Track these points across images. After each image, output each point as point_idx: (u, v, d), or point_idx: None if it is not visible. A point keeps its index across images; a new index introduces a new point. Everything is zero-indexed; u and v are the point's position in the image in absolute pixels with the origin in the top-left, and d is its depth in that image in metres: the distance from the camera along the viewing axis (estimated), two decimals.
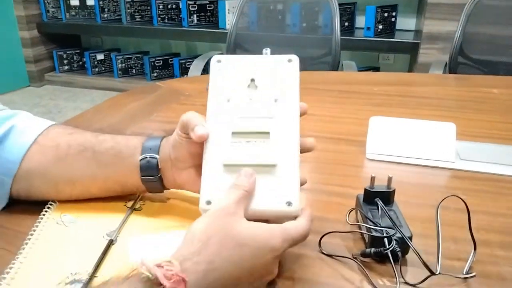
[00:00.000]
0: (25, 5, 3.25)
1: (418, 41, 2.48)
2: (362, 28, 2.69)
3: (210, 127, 0.46)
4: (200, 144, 0.47)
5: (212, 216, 0.40)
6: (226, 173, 0.44)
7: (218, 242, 0.37)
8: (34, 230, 0.50)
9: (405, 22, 2.85)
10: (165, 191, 0.54)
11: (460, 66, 1.60)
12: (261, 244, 0.38)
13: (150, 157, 0.51)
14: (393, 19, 2.71)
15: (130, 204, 0.55)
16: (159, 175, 0.51)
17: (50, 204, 0.54)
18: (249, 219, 0.40)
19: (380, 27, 2.65)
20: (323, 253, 0.46)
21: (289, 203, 0.42)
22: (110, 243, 0.47)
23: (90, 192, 0.54)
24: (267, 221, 0.41)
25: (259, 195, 0.43)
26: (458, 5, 1.66)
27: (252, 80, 0.48)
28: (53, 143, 0.54)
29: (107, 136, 0.54)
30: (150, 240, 0.49)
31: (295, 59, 0.50)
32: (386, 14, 2.66)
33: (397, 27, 2.76)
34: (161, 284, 0.33)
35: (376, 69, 2.98)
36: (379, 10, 2.61)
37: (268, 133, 0.45)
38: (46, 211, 0.53)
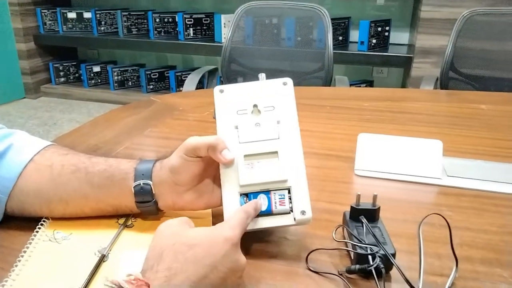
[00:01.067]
0: (22, 17, 3.27)
1: (411, 55, 2.51)
2: (356, 42, 2.73)
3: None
4: (204, 166, 0.51)
5: (158, 233, 0.42)
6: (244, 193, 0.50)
7: (171, 251, 0.39)
8: (27, 247, 0.51)
9: (399, 37, 2.89)
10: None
11: (451, 81, 1.63)
12: (212, 238, 0.41)
13: (143, 183, 0.52)
14: (386, 34, 2.75)
15: (122, 220, 0.56)
16: (154, 200, 0.53)
17: (44, 221, 0.55)
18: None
19: (374, 41, 2.69)
20: (310, 269, 0.47)
21: (303, 212, 0.48)
22: (102, 258, 0.48)
23: (83, 212, 0.55)
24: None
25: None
26: (450, 20, 1.69)
27: (255, 106, 0.53)
28: (48, 163, 0.55)
29: (100, 159, 0.55)
30: (142, 255, 0.50)
31: (289, 81, 0.54)
32: (379, 29, 2.70)
33: (391, 41, 2.80)
34: None
35: (370, 82, 3.02)
36: (373, 24, 2.65)
37: (276, 152, 0.50)
38: (39, 228, 0.54)
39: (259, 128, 0.51)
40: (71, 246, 0.52)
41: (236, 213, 0.45)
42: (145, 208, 0.54)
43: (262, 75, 0.55)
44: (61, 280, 0.46)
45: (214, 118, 0.53)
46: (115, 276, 0.37)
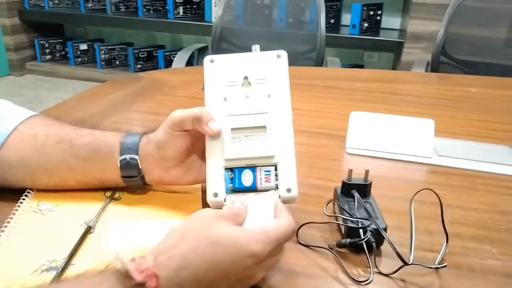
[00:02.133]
0: None
1: (403, 40, 2.51)
2: (348, 26, 2.71)
3: None
4: (191, 141, 0.50)
5: (193, 216, 0.40)
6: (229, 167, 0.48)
7: (193, 238, 0.37)
8: (11, 218, 0.49)
9: (390, 21, 2.87)
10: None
11: (442, 66, 1.63)
12: (239, 246, 0.37)
13: (129, 158, 0.51)
14: (378, 18, 2.73)
15: (109, 193, 0.55)
16: (140, 174, 0.52)
17: (28, 192, 0.54)
18: None
19: (365, 25, 2.67)
20: (300, 243, 0.47)
21: (289, 190, 0.46)
22: (88, 230, 0.47)
23: (68, 183, 0.54)
24: None
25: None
26: (442, 5, 1.69)
27: (245, 77, 0.50)
28: (32, 132, 0.53)
29: (85, 131, 0.54)
30: (129, 228, 0.49)
31: (284, 54, 0.51)
32: (371, 13, 2.69)
33: (382, 25, 2.79)
34: (132, 278, 0.33)
35: (361, 66, 3.01)
36: (365, 8, 2.63)
37: (264, 127, 0.48)
38: (23, 199, 0.53)
39: (248, 100, 0.49)
40: (56, 217, 0.51)
41: (279, 227, 0.39)
42: (132, 183, 0.53)
43: (256, 47, 0.52)
44: (46, 250, 0.44)
45: (203, 89, 0.51)
46: (114, 253, 0.35)
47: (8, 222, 0.49)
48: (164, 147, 0.50)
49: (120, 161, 0.51)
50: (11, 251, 0.45)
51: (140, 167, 0.51)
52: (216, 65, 0.51)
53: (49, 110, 0.86)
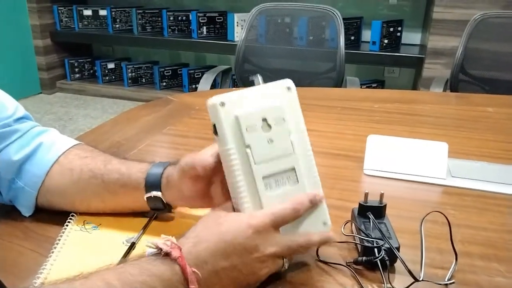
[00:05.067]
0: (40, 14, 3.35)
1: (423, 56, 2.53)
2: (368, 42, 2.75)
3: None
4: (207, 179, 0.53)
5: (204, 216, 0.48)
6: None
7: (202, 225, 0.46)
8: (61, 236, 0.56)
9: (411, 37, 2.90)
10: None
11: (461, 83, 1.65)
12: (238, 221, 0.45)
13: (154, 196, 0.55)
14: (398, 34, 2.77)
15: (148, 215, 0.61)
16: (165, 207, 0.57)
17: (74, 214, 0.60)
18: None
19: (386, 41, 2.71)
20: (320, 260, 0.51)
21: (325, 223, 0.50)
22: (132, 246, 0.53)
23: (104, 211, 0.60)
24: None
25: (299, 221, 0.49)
26: (463, 21, 1.71)
27: (264, 120, 0.48)
28: (69, 166, 0.59)
29: (114, 166, 0.58)
30: None
31: (293, 86, 0.51)
32: (391, 29, 2.72)
33: (403, 41, 2.82)
34: (161, 250, 0.42)
35: (381, 82, 3.04)
36: (385, 25, 2.67)
37: (293, 168, 0.49)
38: (71, 219, 0.59)
39: (272, 144, 0.48)
40: (100, 235, 0.57)
41: (283, 205, 0.46)
42: (159, 211, 0.59)
43: (258, 78, 0.53)
44: (94, 264, 0.50)
45: (215, 134, 0.48)
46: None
47: (59, 240, 0.55)
48: (181, 188, 0.54)
49: (147, 198, 0.56)
50: (63, 265, 0.51)
51: (165, 201, 0.56)
52: (228, 109, 0.47)
53: (87, 134, 0.93)
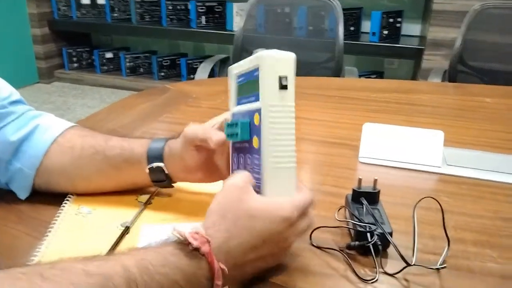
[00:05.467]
0: (37, 3, 3.33)
1: (423, 47, 2.52)
2: (368, 33, 2.74)
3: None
4: (209, 151, 0.54)
5: (226, 191, 0.45)
6: None
7: (233, 216, 0.43)
8: (56, 220, 0.56)
9: (410, 28, 2.89)
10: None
11: (460, 74, 1.64)
12: (271, 215, 0.43)
13: (156, 166, 0.56)
14: (398, 25, 2.76)
15: (141, 198, 0.61)
16: (167, 179, 0.58)
17: (69, 197, 0.60)
18: None
19: (385, 32, 2.70)
20: (313, 245, 0.51)
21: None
22: (126, 230, 0.53)
23: (105, 188, 0.61)
24: None
25: None
26: (463, 12, 1.70)
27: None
28: (69, 144, 0.60)
29: (115, 142, 0.59)
30: (160, 228, 0.54)
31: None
32: (391, 20, 2.71)
33: (402, 32, 2.81)
34: (189, 243, 0.40)
35: (381, 73, 3.03)
36: (385, 15, 2.66)
37: None
38: (65, 203, 0.59)
39: None
40: (95, 219, 0.57)
41: (304, 194, 0.46)
42: (161, 185, 0.59)
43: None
44: (88, 248, 0.50)
45: (282, 88, 0.45)
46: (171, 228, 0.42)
47: (54, 223, 0.55)
48: (184, 158, 0.55)
49: (149, 169, 0.57)
50: (58, 249, 0.51)
51: (166, 172, 0.57)
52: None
53: (82, 121, 0.93)
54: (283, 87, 0.45)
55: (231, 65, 0.53)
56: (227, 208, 0.43)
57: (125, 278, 0.36)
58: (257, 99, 0.46)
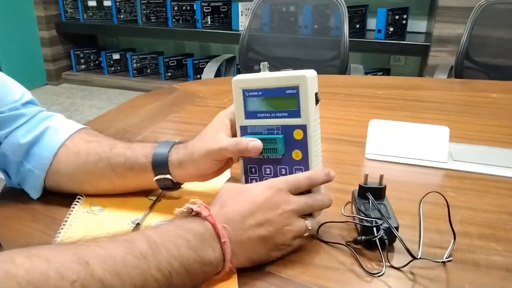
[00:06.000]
0: (45, 5, 3.36)
1: (429, 44, 2.51)
2: (373, 30, 2.74)
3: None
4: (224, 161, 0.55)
5: (222, 188, 0.51)
6: None
7: (226, 192, 0.50)
8: (68, 217, 0.57)
9: (416, 25, 2.89)
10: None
11: (466, 70, 1.64)
12: (258, 185, 0.49)
13: (163, 178, 0.57)
14: (404, 22, 2.75)
15: (152, 197, 0.62)
16: (175, 185, 0.58)
17: (81, 196, 0.61)
18: None
19: (391, 29, 2.69)
20: (320, 240, 0.52)
21: None
22: (137, 227, 0.54)
23: (112, 192, 0.61)
24: None
25: None
26: (468, 8, 1.70)
27: None
28: (75, 149, 0.60)
29: (119, 149, 0.59)
30: None
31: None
32: (397, 17, 2.71)
33: (408, 29, 2.80)
34: (192, 210, 0.46)
35: (387, 70, 3.03)
36: (390, 12, 2.66)
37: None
38: (77, 202, 0.60)
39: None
40: (106, 217, 0.58)
41: (299, 174, 0.51)
42: (168, 190, 0.60)
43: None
44: None
45: (317, 103, 0.52)
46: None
47: (66, 221, 0.56)
48: (200, 168, 0.55)
49: (156, 180, 0.57)
50: None
51: (175, 181, 0.57)
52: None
53: (92, 121, 0.95)
54: (317, 102, 0.52)
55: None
56: (221, 192, 0.50)
57: (146, 239, 0.42)
58: (292, 115, 0.51)
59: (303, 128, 0.51)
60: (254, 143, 0.51)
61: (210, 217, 0.45)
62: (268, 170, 0.53)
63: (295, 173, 0.52)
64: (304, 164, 0.52)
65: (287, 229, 0.48)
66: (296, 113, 0.50)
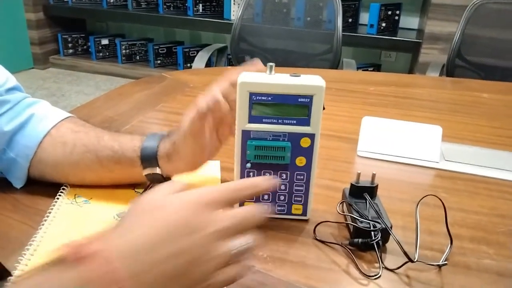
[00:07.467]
0: None
1: (420, 41, 2.52)
2: (366, 25, 2.73)
3: None
4: (204, 135, 0.54)
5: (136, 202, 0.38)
6: None
7: (133, 215, 0.36)
8: (52, 209, 0.55)
9: (408, 21, 2.88)
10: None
11: (458, 69, 1.64)
12: (174, 200, 0.36)
13: (153, 173, 0.56)
14: (396, 18, 2.75)
15: (139, 190, 0.60)
16: (165, 180, 0.57)
17: (65, 186, 0.59)
18: None
19: (383, 25, 2.69)
20: (317, 239, 0.52)
21: None
22: None
23: (99, 184, 0.59)
24: None
25: None
26: (461, 6, 1.69)
27: None
28: (61, 139, 0.58)
29: (107, 142, 0.57)
30: None
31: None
32: (389, 12, 2.70)
33: (400, 25, 2.80)
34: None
35: (378, 66, 3.03)
36: (383, 8, 2.65)
37: None
38: (61, 192, 0.58)
39: None
40: (91, 209, 0.56)
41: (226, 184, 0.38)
42: (157, 183, 0.58)
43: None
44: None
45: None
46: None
47: (49, 212, 0.54)
48: (189, 155, 0.54)
49: (145, 175, 0.56)
50: (53, 238, 0.50)
51: (164, 175, 0.56)
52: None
53: (80, 108, 0.92)
54: (323, 109, 0.50)
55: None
56: (130, 213, 0.36)
57: None
58: (300, 123, 0.50)
59: (312, 137, 0.50)
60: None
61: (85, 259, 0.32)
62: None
63: (297, 177, 0.52)
64: (306, 170, 0.52)
65: (206, 259, 0.34)
66: (306, 122, 0.50)
